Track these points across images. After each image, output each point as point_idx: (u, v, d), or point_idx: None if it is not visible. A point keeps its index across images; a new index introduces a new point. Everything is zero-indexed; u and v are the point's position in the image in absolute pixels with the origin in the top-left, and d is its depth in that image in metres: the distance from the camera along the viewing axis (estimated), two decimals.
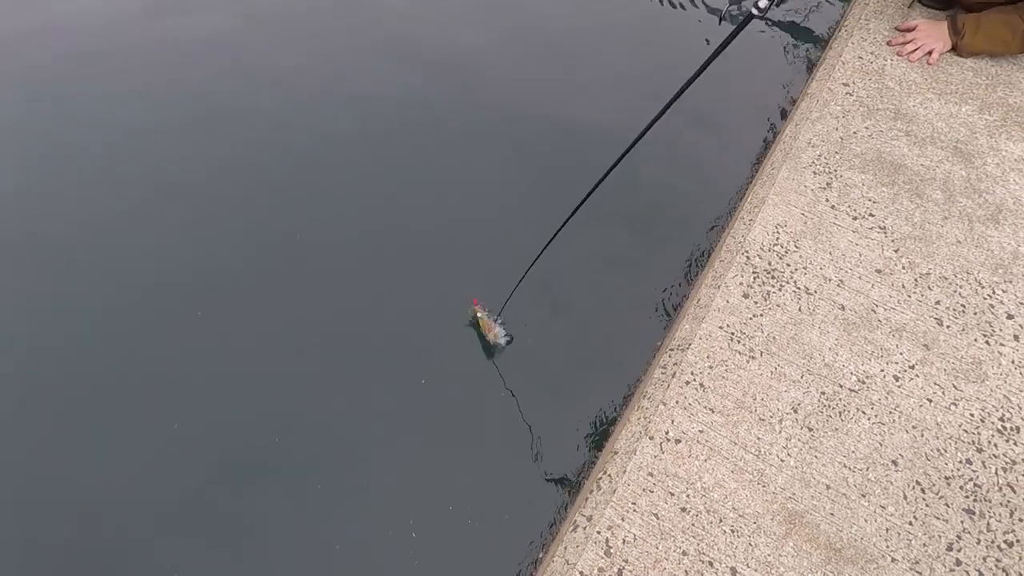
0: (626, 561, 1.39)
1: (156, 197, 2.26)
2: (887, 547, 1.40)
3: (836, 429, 1.55)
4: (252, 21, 2.86)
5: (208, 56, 2.72)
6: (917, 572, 1.37)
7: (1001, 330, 1.70)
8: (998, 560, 1.39)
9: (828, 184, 1.98)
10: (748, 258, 1.83)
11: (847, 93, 2.21)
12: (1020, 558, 1.39)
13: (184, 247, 2.15)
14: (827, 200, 1.95)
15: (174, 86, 2.60)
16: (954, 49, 2.27)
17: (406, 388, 1.87)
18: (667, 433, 1.55)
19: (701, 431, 1.55)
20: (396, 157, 2.38)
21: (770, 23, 2.82)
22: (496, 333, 1.89)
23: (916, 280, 1.79)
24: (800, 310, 1.73)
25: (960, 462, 1.51)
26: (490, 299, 1.91)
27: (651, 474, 1.50)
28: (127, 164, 2.37)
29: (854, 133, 2.10)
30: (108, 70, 2.66)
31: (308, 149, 2.39)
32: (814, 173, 2.01)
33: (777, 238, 1.87)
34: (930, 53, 2.27)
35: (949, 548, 1.40)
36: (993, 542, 1.41)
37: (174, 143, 2.42)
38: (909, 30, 2.32)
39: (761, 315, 1.73)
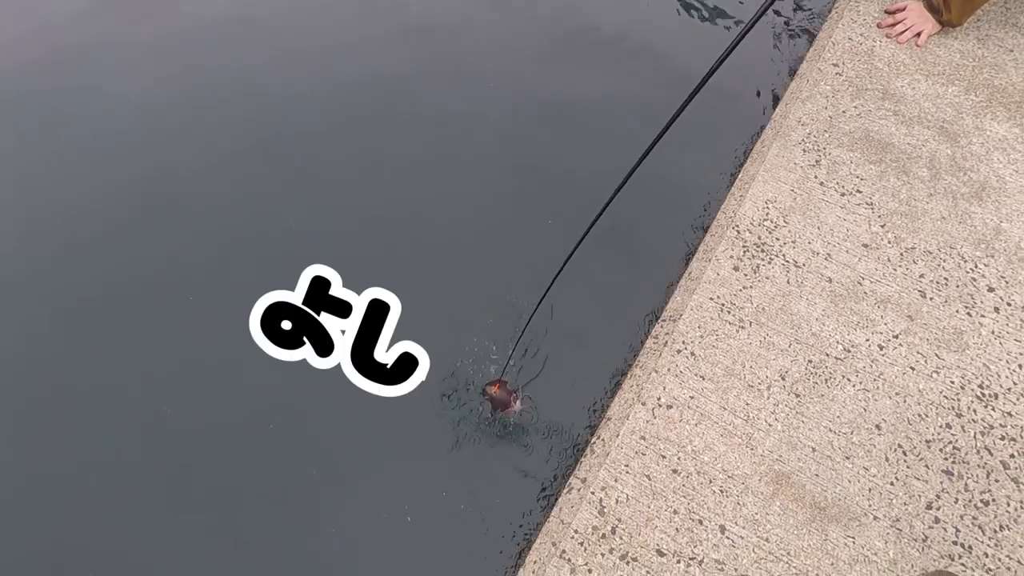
0: (619, 520, 1.44)
1: (146, 187, 2.25)
2: (869, 506, 1.46)
3: (822, 395, 1.60)
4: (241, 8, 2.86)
5: (201, 49, 2.70)
6: (898, 529, 1.43)
7: (982, 302, 1.76)
8: (974, 518, 1.45)
9: (817, 161, 2.02)
10: (738, 232, 1.87)
11: (837, 73, 2.25)
12: (995, 516, 1.45)
13: (177, 237, 2.14)
14: (816, 177, 1.99)
15: (169, 75, 2.59)
16: (944, 27, 2.31)
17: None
18: (659, 399, 1.60)
19: (692, 397, 1.60)
20: (398, 150, 2.39)
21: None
22: (513, 398, 1.78)
23: (901, 254, 1.84)
24: (788, 282, 1.78)
25: (940, 426, 1.57)
26: (495, 296, 1.88)
27: (643, 438, 1.55)
28: (120, 158, 2.36)
29: (843, 112, 2.15)
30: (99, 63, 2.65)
31: (306, 140, 2.38)
32: (803, 151, 2.05)
33: (767, 213, 1.91)
34: (918, 35, 2.31)
35: (928, 507, 1.46)
36: (970, 501, 1.47)
37: (166, 133, 2.41)
38: (898, 11, 2.36)
39: (751, 287, 1.77)
